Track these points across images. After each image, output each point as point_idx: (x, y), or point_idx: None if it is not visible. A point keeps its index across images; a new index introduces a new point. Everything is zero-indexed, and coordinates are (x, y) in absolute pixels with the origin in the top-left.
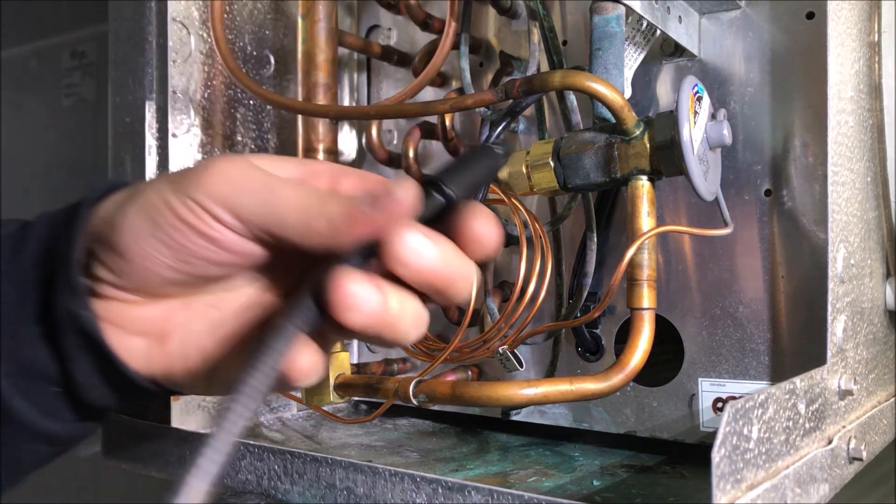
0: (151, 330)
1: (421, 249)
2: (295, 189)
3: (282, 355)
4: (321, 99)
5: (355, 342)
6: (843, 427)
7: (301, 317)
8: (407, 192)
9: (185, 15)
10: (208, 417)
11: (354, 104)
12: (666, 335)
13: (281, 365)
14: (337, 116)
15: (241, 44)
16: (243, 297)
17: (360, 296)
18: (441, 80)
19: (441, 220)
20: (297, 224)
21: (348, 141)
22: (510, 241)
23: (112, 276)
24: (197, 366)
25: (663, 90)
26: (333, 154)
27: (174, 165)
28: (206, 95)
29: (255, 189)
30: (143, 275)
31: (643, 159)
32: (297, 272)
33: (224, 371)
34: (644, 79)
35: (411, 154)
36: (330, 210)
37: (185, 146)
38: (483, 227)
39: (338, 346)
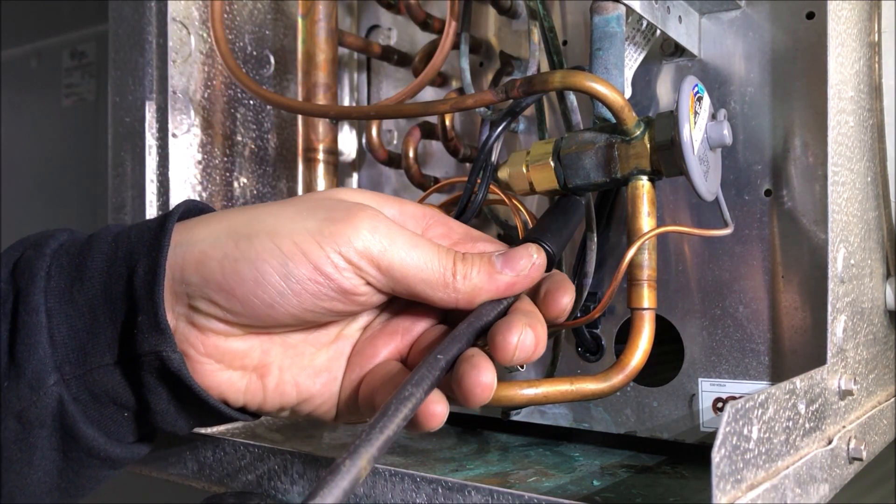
0: (249, 365)
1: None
2: (438, 251)
3: (419, 402)
4: (321, 99)
5: None
6: (843, 427)
7: (439, 367)
8: (541, 258)
9: (185, 15)
10: None
11: (354, 104)
12: (666, 335)
13: (415, 410)
14: (337, 116)
15: (241, 44)
16: (334, 331)
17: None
18: (441, 80)
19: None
20: (438, 283)
21: (348, 141)
22: (510, 241)
23: (220, 311)
24: (290, 398)
25: (663, 90)
26: (333, 154)
27: (174, 165)
28: (206, 95)
29: (405, 247)
30: (257, 317)
31: (643, 159)
32: (399, 307)
33: (312, 401)
34: (644, 79)
35: (411, 154)
36: (473, 273)
37: (185, 146)
38: (567, 301)
39: None
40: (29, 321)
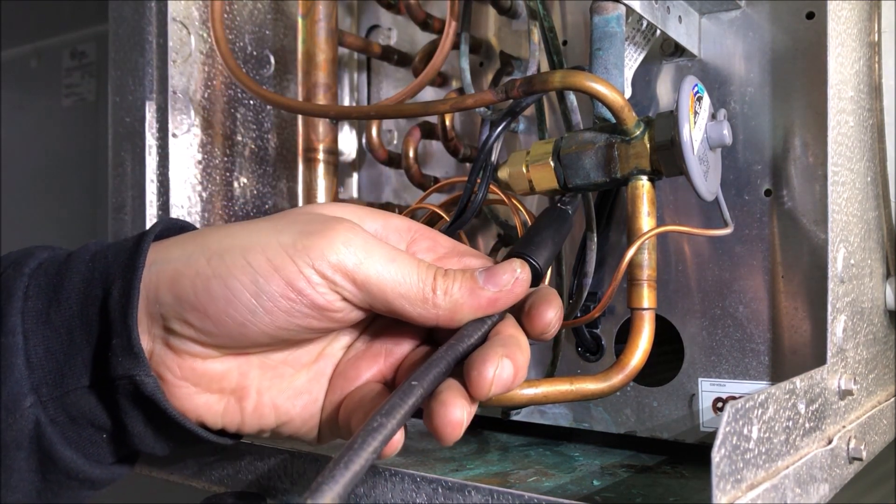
0: (227, 388)
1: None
2: (418, 265)
3: (404, 420)
4: (321, 99)
5: None
6: (843, 427)
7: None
8: (525, 273)
9: (185, 15)
10: None
11: (354, 104)
12: (666, 335)
13: (386, 441)
14: (337, 116)
15: (241, 44)
16: (315, 351)
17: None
18: (441, 80)
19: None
20: (417, 299)
21: (348, 141)
22: (510, 241)
23: (194, 332)
24: (269, 421)
25: (663, 90)
26: (333, 154)
27: (174, 165)
28: (206, 95)
29: (382, 261)
30: (231, 336)
31: (643, 159)
32: (381, 326)
33: (292, 424)
34: (644, 79)
35: (411, 154)
36: (455, 288)
37: (185, 146)
38: (553, 316)
39: None
40: (5, 343)
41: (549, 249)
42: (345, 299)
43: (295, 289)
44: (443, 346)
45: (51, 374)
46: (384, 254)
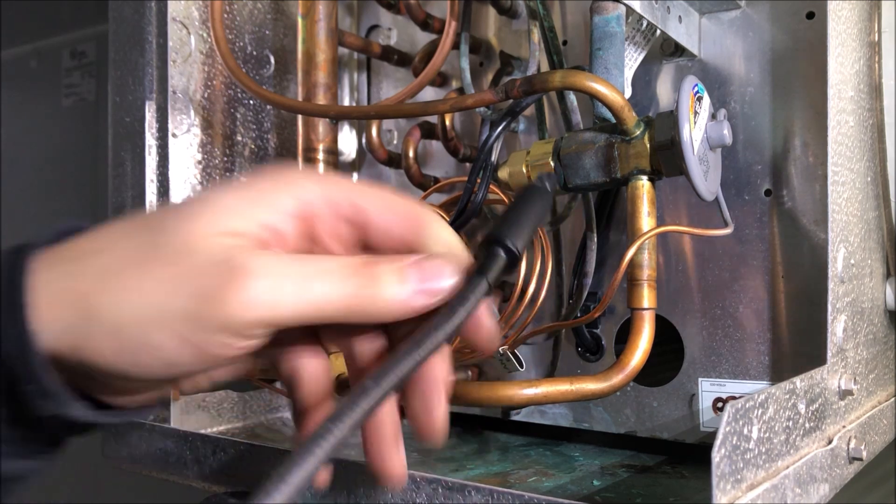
0: (148, 398)
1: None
2: (336, 281)
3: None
4: (321, 99)
5: None
6: (843, 427)
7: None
8: (451, 279)
9: (185, 15)
10: (208, 417)
11: (354, 104)
12: (666, 335)
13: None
14: (337, 116)
15: (241, 44)
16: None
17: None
18: (441, 80)
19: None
20: (347, 316)
21: (348, 141)
22: None
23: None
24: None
25: (663, 90)
26: (333, 154)
27: (174, 165)
28: (206, 95)
29: (296, 291)
30: (155, 380)
31: (643, 159)
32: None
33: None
34: (644, 79)
35: (411, 154)
36: (380, 298)
37: (185, 146)
38: (489, 321)
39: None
40: None
41: (527, 232)
42: (266, 338)
43: (211, 356)
44: (404, 343)
45: None
46: (298, 280)
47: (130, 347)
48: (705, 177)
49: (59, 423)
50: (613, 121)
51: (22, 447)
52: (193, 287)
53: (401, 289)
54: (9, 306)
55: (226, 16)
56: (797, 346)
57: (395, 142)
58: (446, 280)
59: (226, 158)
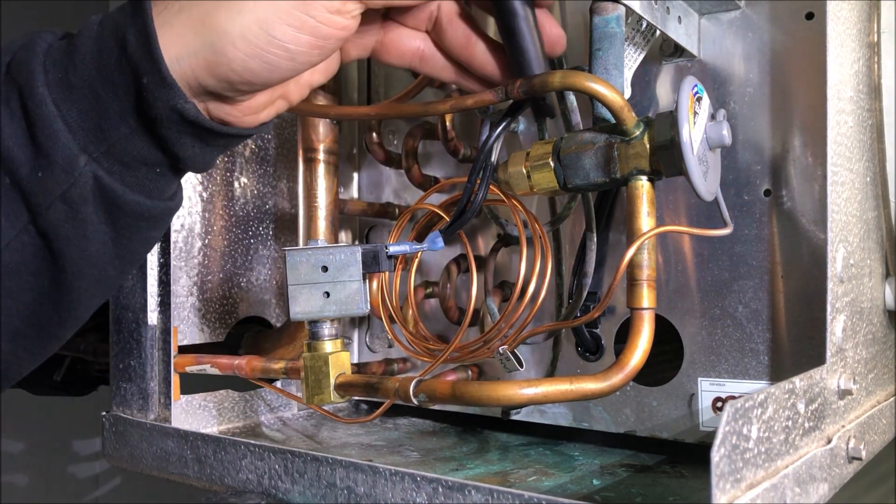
0: (273, 97)
1: None
2: None
3: None
4: (321, 99)
5: (355, 343)
6: (843, 427)
7: None
8: None
9: None
10: (209, 417)
11: (355, 104)
12: (666, 335)
13: None
14: (337, 116)
15: None
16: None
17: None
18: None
19: None
20: None
21: (348, 141)
22: (510, 241)
23: (240, 94)
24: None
25: (663, 90)
26: (333, 154)
27: None
28: None
29: None
30: (274, 84)
31: (643, 159)
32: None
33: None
34: (644, 79)
35: (411, 154)
36: None
37: None
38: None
39: (338, 345)
40: (41, 113)
41: None
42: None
43: (322, 35)
44: None
45: (91, 132)
46: None
47: (259, 47)
48: (705, 177)
49: (173, 121)
50: (613, 121)
51: (148, 171)
52: None
53: None
54: (139, 30)
55: None
56: (796, 345)
57: (395, 142)
58: None
59: (226, 158)
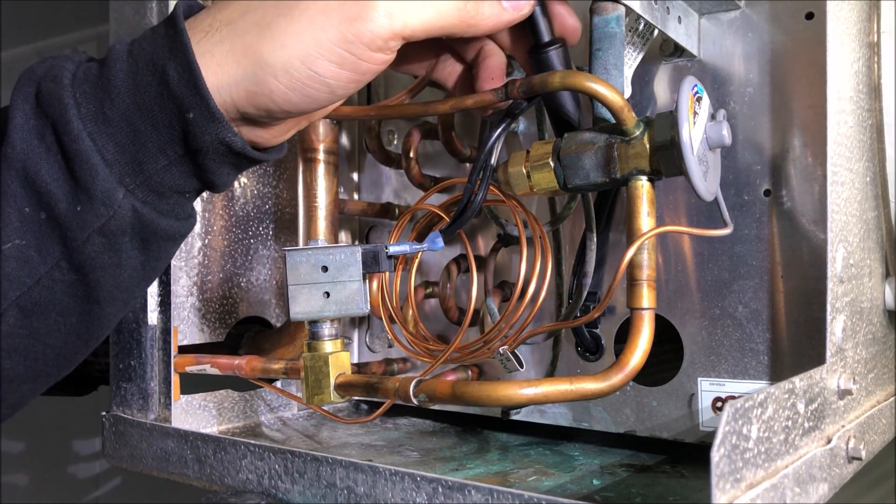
0: (299, 121)
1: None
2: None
3: None
4: None
5: (355, 343)
6: (843, 427)
7: None
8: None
9: None
10: (209, 417)
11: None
12: (666, 335)
13: None
14: (337, 116)
15: None
16: None
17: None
18: None
19: None
20: (457, 27)
21: (348, 141)
22: (510, 241)
23: (277, 120)
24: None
25: (663, 90)
26: (333, 154)
27: None
28: None
29: (419, 8)
30: (310, 112)
31: (643, 159)
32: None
33: None
34: (643, 79)
35: (411, 154)
36: (481, 13)
37: None
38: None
39: (338, 345)
40: (78, 148)
41: None
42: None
43: (361, 71)
44: None
45: (128, 166)
46: (419, 3)
47: (300, 81)
48: (705, 177)
49: (219, 153)
50: (613, 121)
51: (182, 198)
52: (340, 14)
53: (495, 6)
54: (182, 65)
55: None
56: (796, 345)
57: (395, 142)
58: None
59: None
